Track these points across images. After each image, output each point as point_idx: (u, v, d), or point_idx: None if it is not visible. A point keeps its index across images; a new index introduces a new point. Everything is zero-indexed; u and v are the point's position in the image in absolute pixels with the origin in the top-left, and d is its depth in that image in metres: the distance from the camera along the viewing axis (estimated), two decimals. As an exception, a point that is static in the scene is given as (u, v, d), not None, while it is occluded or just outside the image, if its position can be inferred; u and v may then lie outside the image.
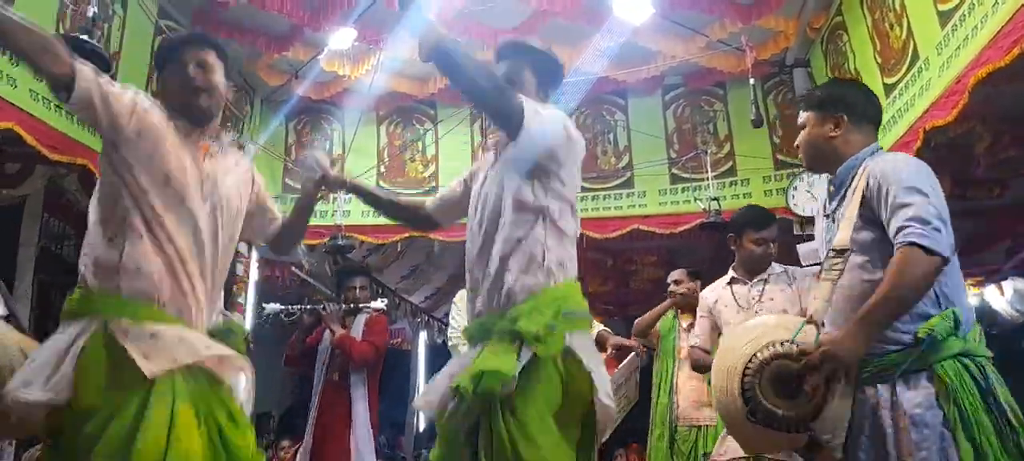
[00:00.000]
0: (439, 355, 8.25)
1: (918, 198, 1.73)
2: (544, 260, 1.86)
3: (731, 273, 3.19)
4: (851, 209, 1.85)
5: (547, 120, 1.90)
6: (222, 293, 2.01)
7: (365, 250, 6.17)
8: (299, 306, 4.36)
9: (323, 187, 2.30)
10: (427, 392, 2.00)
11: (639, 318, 4.25)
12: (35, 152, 3.55)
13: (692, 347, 3.29)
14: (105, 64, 3.30)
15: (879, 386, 1.79)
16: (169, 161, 1.85)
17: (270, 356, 4.93)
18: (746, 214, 3.25)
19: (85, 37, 3.08)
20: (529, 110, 1.85)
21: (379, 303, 4.18)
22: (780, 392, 1.77)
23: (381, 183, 5.82)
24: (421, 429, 9.30)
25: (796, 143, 2.14)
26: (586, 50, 5.00)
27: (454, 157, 5.83)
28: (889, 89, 4.09)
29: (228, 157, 2.04)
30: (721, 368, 1.96)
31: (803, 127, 2.08)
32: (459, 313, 3.52)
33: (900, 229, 1.72)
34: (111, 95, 1.81)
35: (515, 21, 4.95)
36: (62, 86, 1.74)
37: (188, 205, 1.86)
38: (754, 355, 1.81)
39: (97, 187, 1.89)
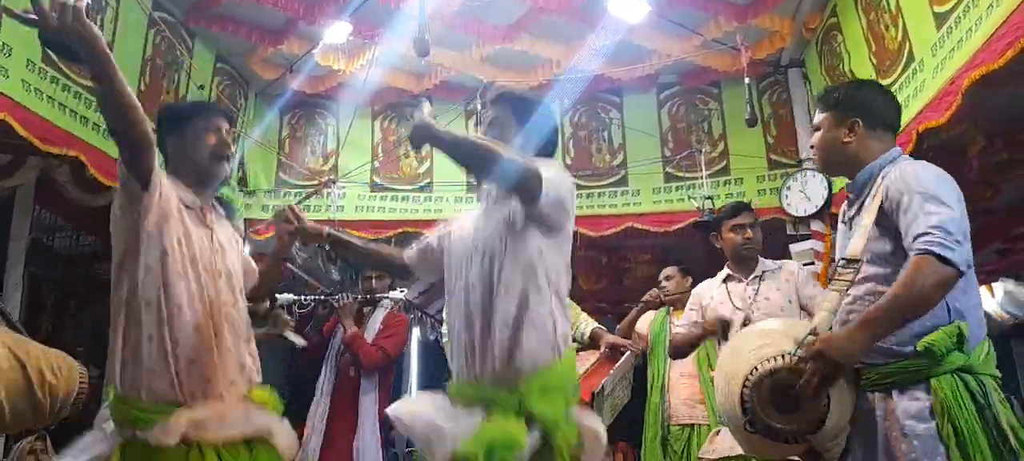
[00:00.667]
0: (431, 352, 8.21)
1: (939, 208, 1.69)
2: (555, 334, 1.84)
3: (726, 270, 3.21)
4: (868, 218, 1.81)
5: (557, 181, 1.88)
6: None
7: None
8: (313, 297, 4.10)
9: (298, 239, 2.30)
10: (408, 413, 1.95)
11: (620, 323, 4.31)
12: (26, 143, 3.52)
13: (676, 334, 3.30)
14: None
15: (877, 395, 1.79)
16: (191, 244, 1.88)
17: (281, 350, 4.87)
18: (721, 210, 3.36)
19: (78, 28, 3.05)
20: (544, 176, 1.83)
21: (398, 293, 4.09)
22: (780, 406, 1.76)
23: (375, 179, 5.80)
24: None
25: (811, 143, 2.10)
26: (581, 48, 5.00)
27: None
28: (883, 90, 4.11)
29: (224, 223, 2.09)
30: (724, 371, 1.96)
31: (818, 128, 2.04)
32: None
33: (917, 236, 1.67)
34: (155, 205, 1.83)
35: (510, 18, 4.95)
36: (137, 179, 1.78)
37: (205, 282, 1.88)
38: (755, 368, 1.80)
39: (113, 293, 1.87)
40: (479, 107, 5.33)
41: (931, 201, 1.70)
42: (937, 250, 1.63)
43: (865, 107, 1.96)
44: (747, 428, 1.81)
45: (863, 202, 1.90)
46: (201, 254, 1.89)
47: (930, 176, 1.78)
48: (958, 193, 1.76)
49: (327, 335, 4.00)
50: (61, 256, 6.85)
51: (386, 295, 4.00)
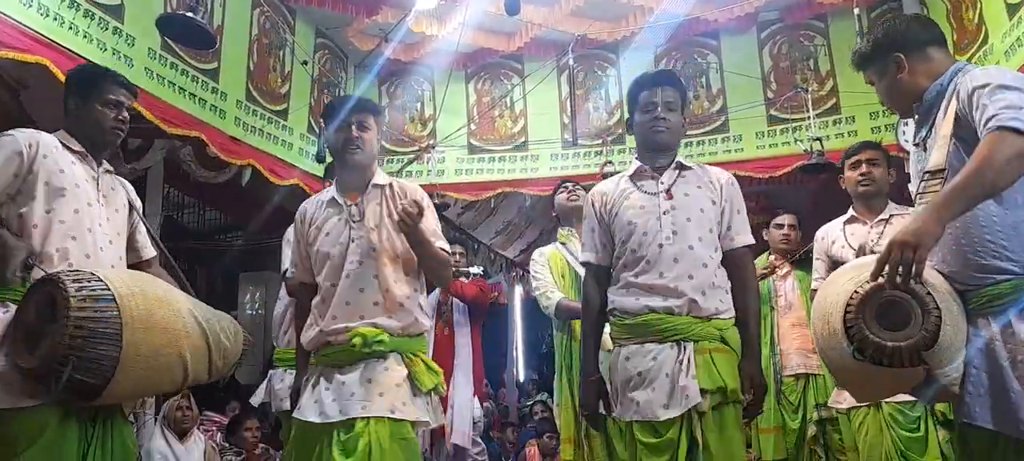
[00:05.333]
0: (535, 309, 8.37)
1: (1008, 93, 1.59)
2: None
3: (850, 211, 3.06)
4: (945, 129, 1.72)
5: None
6: None
7: (459, 207, 6.28)
8: None
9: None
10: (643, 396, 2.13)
11: None
12: (153, 127, 3.81)
13: (813, 290, 3.19)
14: (210, 39, 3.48)
15: (991, 318, 1.67)
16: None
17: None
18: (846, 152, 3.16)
19: (190, 14, 3.25)
20: None
21: (476, 269, 4.37)
22: (887, 324, 1.66)
23: (472, 141, 5.89)
24: (521, 380, 9.51)
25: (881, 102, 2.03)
26: (675, -9, 4.83)
27: (543, 111, 5.82)
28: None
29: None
30: (821, 310, 1.88)
31: (871, 83, 1.97)
32: (543, 268, 3.56)
33: (990, 118, 1.57)
34: None
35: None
36: None
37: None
38: (855, 291, 1.71)
39: None
40: (571, 62, 5.29)
41: (1000, 89, 1.60)
42: (1010, 124, 1.53)
43: (899, 39, 1.88)
44: (856, 356, 1.71)
45: (934, 119, 1.81)
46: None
47: (998, 70, 1.68)
48: None
49: None
50: (190, 230, 7.43)
51: (467, 270, 4.30)
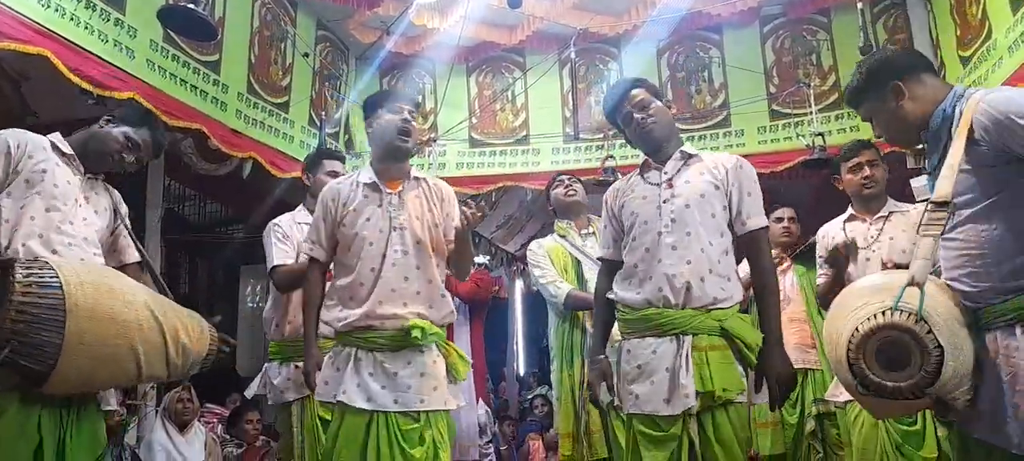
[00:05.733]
0: (537, 302, 8.34)
1: None
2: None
3: (849, 210, 3.08)
4: (954, 157, 1.69)
5: None
6: None
7: (460, 200, 6.27)
8: None
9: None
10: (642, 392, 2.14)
11: None
12: (154, 119, 3.80)
13: (818, 285, 3.20)
14: (211, 31, 3.47)
15: (998, 333, 1.66)
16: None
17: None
18: (839, 156, 3.14)
19: (192, 6, 3.24)
20: None
21: (481, 258, 4.29)
22: (889, 363, 1.65)
23: (473, 135, 5.88)
24: (522, 374, 9.51)
25: (876, 136, 2.01)
26: (677, -16, 4.81)
27: (544, 105, 5.81)
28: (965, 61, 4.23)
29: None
30: (830, 335, 1.86)
31: (870, 119, 1.95)
32: (544, 259, 3.59)
33: None
34: None
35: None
36: None
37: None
38: (856, 328, 1.69)
39: None
40: (573, 56, 5.27)
41: None
42: None
43: (894, 66, 1.86)
44: (859, 390, 1.73)
45: (945, 145, 1.77)
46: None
47: (1017, 94, 1.66)
48: None
49: None
50: (191, 223, 7.42)
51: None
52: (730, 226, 2.27)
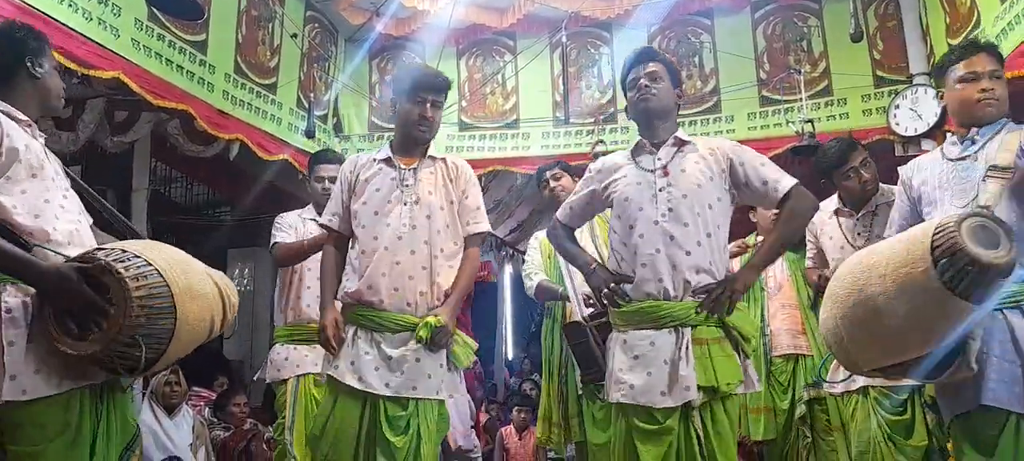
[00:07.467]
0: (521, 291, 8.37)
1: None
2: None
3: (837, 202, 3.05)
4: (1011, 142, 1.96)
5: None
6: None
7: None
8: None
9: None
10: (635, 384, 2.11)
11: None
12: (140, 99, 3.76)
13: (808, 269, 3.20)
14: (198, 11, 3.43)
15: (1022, 313, 1.84)
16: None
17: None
18: (822, 159, 3.04)
19: (178, -15, 3.20)
20: None
21: None
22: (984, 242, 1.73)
23: (463, 119, 5.84)
24: (510, 358, 9.53)
25: (982, 87, 2.11)
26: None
27: (535, 89, 5.78)
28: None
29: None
30: (849, 285, 1.91)
31: (998, 75, 2.12)
32: (534, 251, 3.67)
33: None
34: None
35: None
36: None
37: None
38: (943, 223, 1.76)
39: None
40: (564, 40, 5.25)
41: None
42: None
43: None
44: (946, 285, 1.69)
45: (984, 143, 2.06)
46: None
47: None
48: None
49: None
50: (177, 203, 7.36)
51: None
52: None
